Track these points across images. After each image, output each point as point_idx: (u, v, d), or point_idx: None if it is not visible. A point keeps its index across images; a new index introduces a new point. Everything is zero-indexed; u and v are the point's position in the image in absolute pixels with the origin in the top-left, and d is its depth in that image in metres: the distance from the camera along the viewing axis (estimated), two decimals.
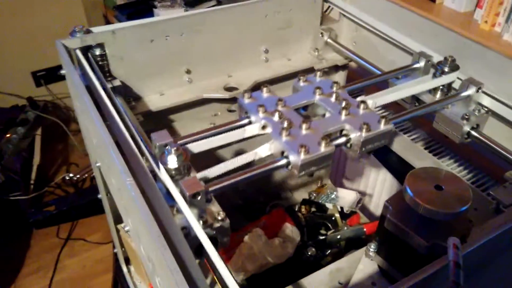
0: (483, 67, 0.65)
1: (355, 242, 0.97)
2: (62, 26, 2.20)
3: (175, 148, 0.47)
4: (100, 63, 0.70)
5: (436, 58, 0.69)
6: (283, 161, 0.50)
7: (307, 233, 0.97)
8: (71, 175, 1.72)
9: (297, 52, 0.87)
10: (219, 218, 0.46)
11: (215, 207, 0.47)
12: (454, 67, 0.66)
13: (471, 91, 0.64)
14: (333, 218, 1.02)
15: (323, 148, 0.49)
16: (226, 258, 0.86)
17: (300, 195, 1.12)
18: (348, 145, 0.54)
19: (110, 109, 0.55)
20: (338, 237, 0.97)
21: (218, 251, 0.43)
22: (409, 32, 0.75)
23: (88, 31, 0.69)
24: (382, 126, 0.53)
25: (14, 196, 1.68)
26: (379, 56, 0.77)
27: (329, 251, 0.96)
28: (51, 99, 2.26)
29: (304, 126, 0.52)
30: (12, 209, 1.67)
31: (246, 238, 0.84)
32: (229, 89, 0.80)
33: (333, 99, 0.58)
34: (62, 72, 0.67)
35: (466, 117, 0.63)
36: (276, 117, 0.54)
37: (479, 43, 0.65)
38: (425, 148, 0.80)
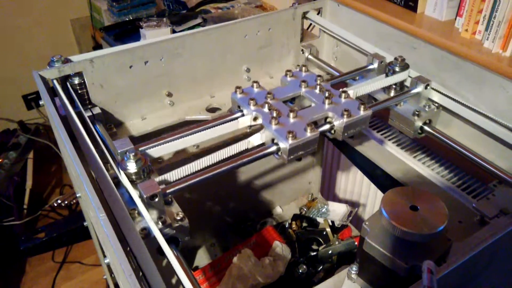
0: (463, 79, 0.66)
1: (347, 256, 0.96)
2: (52, 48, 2.21)
3: (133, 153, 0.51)
4: (79, 91, 0.70)
5: (389, 58, 0.73)
6: (273, 148, 0.56)
7: (299, 249, 0.96)
8: (59, 201, 1.71)
9: (279, 69, 0.88)
10: (178, 218, 0.49)
11: (175, 209, 0.50)
12: (405, 66, 0.71)
13: (420, 88, 0.68)
14: (324, 233, 1.01)
15: (308, 133, 0.55)
16: (217, 280, 0.86)
17: (291, 210, 1.11)
18: (332, 131, 0.60)
19: (85, 138, 0.55)
20: (330, 252, 0.96)
21: (179, 249, 0.48)
22: (388, 45, 0.76)
23: (67, 60, 0.69)
24: (362, 112, 0.59)
25: (7, 221, 1.67)
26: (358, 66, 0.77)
27: (321, 267, 0.95)
28: (43, 122, 2.26)
29: (291, 115, 0.58)
30: (6, 234, 1.65)
31: (235, 259, 0.84)
32: (211, 110, 0.80)
33: (317, 90, 0.64)
34: (41, 102, 0.67)
35: (417, 113, 0.67)
36: (266, 109, 0.60)
37: (457, 55, 0.66)
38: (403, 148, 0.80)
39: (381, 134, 0.76)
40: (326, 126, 0.60)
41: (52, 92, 0.67)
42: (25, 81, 2.13)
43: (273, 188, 1.08)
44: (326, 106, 0.60)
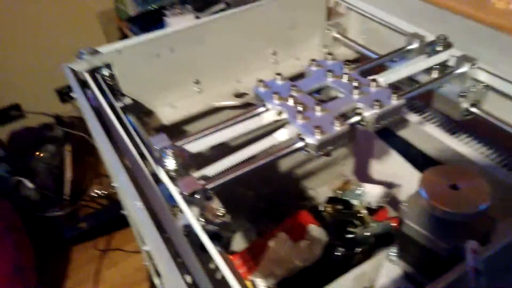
0: (499, 53, 0.63)
1: (385, 238, 0.95)
2: (81, 41, 2.25)
3: (171, 150, 0.50)
4: (109, 82, 0.70)
5: (429, 38, 0.69)
6: (300, 143, 0.53)
7: (335, 232, 0.95)
8: (98, 192, 1.75)
9: (306, 50, 0.86)
10: (219, 214, 0.48)
11: (215, 204, 0.49)
12: (447, 45, 0.67)
13: (465, 67, 0.64)
14: (360, 215, 1.00)
15: (337, 128, 0.52)
16: (254, 264, 0.86)
17: (324, 193, 1.10)
18: (363, 122, 0.56)
19: (118, 129, 0.56)
20: (367, 234, 0.95)
21: (222, 246, 0.47)
22: (417, 20, 0.73)
23: (95, 52, 0.70)
24: (394, 101, 0.55)
25: (50, 212, 1.74)
26: (390, 47, 0.74)
27: (358, 249, 0.94)
28: (78, 115, 2.31)
29: (317, 108, 0.54)
30: (50, 225, 1.72)
31: (271, 243, 0.83)
32: (239, 95, 0.80)
33: (344, 80, 0.60)
34: (73, 95, 0.68)
35: (463, 94, 0.63)
36: (290, 102, 0.57)
37: (491, 26, 0.62)
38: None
39: (418, 115, 0.73)
40: (356, 118, 0.56)
41: (83, 84, 0.68)
42: (57, 75, 2.18)
43: (305, 171, 1.07)
44: (355, 96, 0.57)
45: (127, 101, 0.71)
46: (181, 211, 0.48)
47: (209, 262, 0.46)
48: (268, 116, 0.58)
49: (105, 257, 1.80)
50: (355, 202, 1.04)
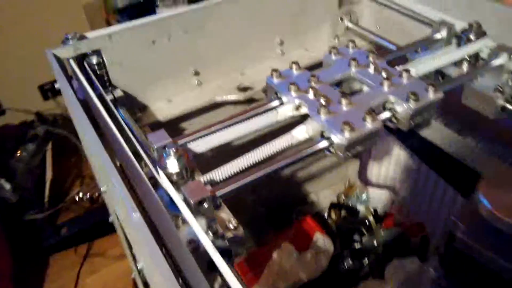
0: None
1: (393, 247, 0.88)
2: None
3: (173, 149, 0.42)
4: (98, 72, 0.62)
5: (459, 25, 0.62)
6: (324, 143, 0.46)
7: (341, 241, 0.88)
8: (80, 194, 1.66)
9: (315, 41, 0.78)
10: (231, 226, 0.41)
11: (225, 214, 0.42)
12: (480, 34, 0.60)
13: (502, 59, 0.57)
14: (367, 222, 0.93)
15: (369, 124, 0.45)
16: (254, 276, 0.78)
17: (327, 198, 1.03)
18: (394, 119, 0.49)
19: (110, 125, 0.47)
20: (375, 242, 0.88)
21: (233, 264, 0.39)
22: (443, 5, 0.66)
23: (82, 37, 0.62)
24: (432, 95, 0.48)
25: (29, 215, 1.63)
26: (409, 38, 0.67)
27: (366, 259, 0.87)
28: (61, 112, 2.21)
29: (344, 101, 0.47)
30: (29, 228, 1.62)
31: (275, 255, 0.76)
32: (243, 89, 0.72)
33: (371, 70, 0.53)
34: (57, 86, 0.59)
35: (499, 88, 0.56)
36: (311, 95, 0.50)
37: None
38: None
39: None
40: (387, 114, 0.49)
41: (68, 75, 0.59)
42: (40, 71, 2.08)
43: (307, 173, 1.00)
44: (385, 88, 0.50)
45: (118, 93, 0.63)
46: (184, 222, 0.40)
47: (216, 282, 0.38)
48: (284, 110, 0.50)
49: (86, 263, 1.71)
50: (360, 208, 0.98)
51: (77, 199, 1.71)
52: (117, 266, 1.69)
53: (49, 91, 2.25)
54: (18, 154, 1.80)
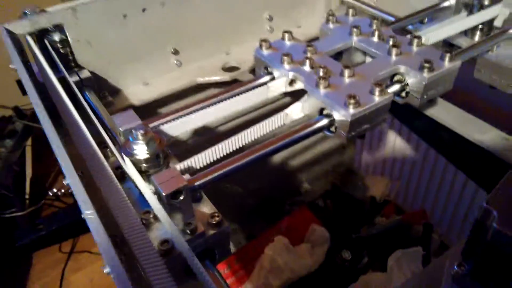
0: None
1: (394, 237, 0.83)
2: None
3: (142, 131, 0.35)
4: (61, 51, 0.54)
5: None
6: (324, 121, 0.40)
7: (338, 231, 0.82)
8: (62, 190, 1.58)
9: (308, 17, 0.72)
10: (214, 222, 0.34)
11: (207, 208, 0.35)
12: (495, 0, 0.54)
13: None
14: (365, 211, 0.87)
15: (377, 98, 0.38)
16: (244, 274, 0.72)
17: (322, 187, 0.97)
18: (403, 93, 0.43)
19: (70, 110, 0.40)
20: (374, 233, 0.83)
21: (215, 266, 0.33)
22: None
23: (43, 12, 0.54)
24: (447, 63, 0.42)
25: (9, 213, 1.56)
26: (410, 10, 0.61)
27: (365, 250, 0.81)
28: None
29: (347, 72, 0.41)
30: (8, 227, 1.54)
31: (267, 249, 0.69)
32: (228, 69, 0.65)
33: (375, 38, 0.47)
34: (12, 66, 0.52)
35: None
36: (307, 67, 0.43)
37: None
38: None
39: None
40: (395, 87, 0.43)
41: (25, 54, 0.52)
42: None
43: (299, 161, 0.93)
44: (393, 58, 0.44)
45: (85, 74, 0.55)
46: (156, 218, 0.34)
47: None
48: (277, 86, 0.43)
49: (71, 260, 1.64)
50: (357, 196, 0.92)
51: (59, 194, 1.64)
52: (102, 263, 1.63)
53: None
54: None
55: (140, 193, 0.35)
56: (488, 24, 0.54)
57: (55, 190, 1.51)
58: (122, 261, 0.24)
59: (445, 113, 0.61)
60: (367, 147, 0.99)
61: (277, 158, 0.89)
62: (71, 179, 0.30)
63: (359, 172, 0.98)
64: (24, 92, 1.80)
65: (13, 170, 1.72)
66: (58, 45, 0.54)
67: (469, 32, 0.54)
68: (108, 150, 0.38)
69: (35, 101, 0.42)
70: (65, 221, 1.30)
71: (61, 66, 0.50)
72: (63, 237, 1.43)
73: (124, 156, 0.35)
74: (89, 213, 0.26)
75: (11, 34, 0.50)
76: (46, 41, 0.54)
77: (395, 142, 0.95)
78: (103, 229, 0.25)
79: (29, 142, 1.90)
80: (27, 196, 1.73)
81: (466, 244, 0.34)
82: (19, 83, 1.84)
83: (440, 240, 0.82)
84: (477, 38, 0.54)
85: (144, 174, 0.35)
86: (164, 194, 0.31)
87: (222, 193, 0.84)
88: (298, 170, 0.95)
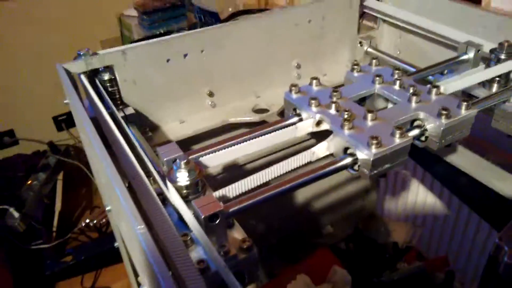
0: None
1: (415, 283, 0.82)
2: None
3: (184, 161, 0.39)
4: (110, 89, 0.60)
5: (487, 46, 0.60)
6: (348, 159, 0.43)
7: (359, 275, 0.83)
8: (88, 221, 1.62)
9: (333, 65, 0.76)
10: (245, 246, 0.37)
11: (238, 233, 0.38)
12: None
13: None
14: (387, 256, 0.88)
15: (398, 139, 0.41)
16: None
17: (344, 231, 0.98)
18: (423, 137, 0.46)
19: (120, 141, 0.45)
20: (395, 278, 0.82)
21: None
22: (471, 30, 0.64)
23: (95, 54, 0.60)
24: (464, 111, 0.45)
25: (36, 245, 1.60)
26: (431, 62, 0.65)
27: None
28: (73, 143, 2.21)
29: (370, 116, 0.44)
30: (35, 258, 1.58)
31: (289, 287, 0.71)
32: (258, 111, 0.69)
33: (397, 86, 0.51)
34: (66, 101, 0.58)
35: None
36: (333, 110, 0.47)
37: None
38: None
39: None
40: (415, 131, 0.46)
41: (78, 91, 0.58)
42: (55, 102, 2.10)
43: (323, 203, 0.95)
44: (414, 104, 0.47)
45: (129, 111, 0.61)
46: (194, 241, 0.37)
47: None
48: (304, 126, 0.47)
49: None
50: (380, 241, 0.93)
51: (83, 225, 1.68)
52: None
53: (63, 122, 2.27)
54: (29, 183, 1.79)
55: (179, 218, 0.39)
56: (505, 77, 0.57)
57: (88, 221, 1.54)
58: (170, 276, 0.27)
59: (465, 160, 0.63)
60: (390, 193, 1.00)
61: (301, 198, 0.92)
62: (123, 197, 0.33)
63: (382, 217, 0.98)
64: (59, 129, 1.90)
65: (43, 203, 1.78)
66: (107, 84, 0.60)
67: (486, 84, 0.57)
68: (151, 178, 0.42)
69: (89, 131, 0.47)
70: (93, 252, 1.33)
71: (110, 102, 0.56)
72: (89, 269, 1.45)
73: (167, 182, 0.38)
74: (141, 227, 0.29)
75: (67, 73, 0.56)
76: (97, 80, 0.60)
77: (418, 189, 0.96)
78: (153, 241, 0.28)
79: (60, 176, 1.98)
80: (54, 229, 1.77)
81: (481, 279, 0.35)
82: (55, 120, 1.95)
83: (461, 285, 0.81)
84: (494, 89, 0.57)
85: (184, 199, 0.38)
86: (203, 216, 0.35)
87: (246, 229, 0.86)
88: (321, 212, 0.97)
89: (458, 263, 0.87)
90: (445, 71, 0.60)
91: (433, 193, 0.91)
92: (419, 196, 0.94)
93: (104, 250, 1.35)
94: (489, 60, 0.57)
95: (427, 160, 0.71)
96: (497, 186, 0.60)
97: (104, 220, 1.70)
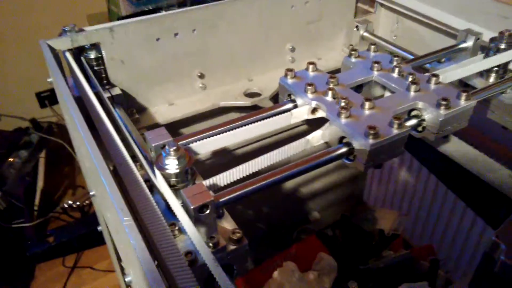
0: None
1: (401, 271, 0.83)
2: None
3: (174, 148, 0.37)
4: (95, 68, 0.58)
5: (487, 35, 0.58)
6: (343, 149, 0.41)
7: (345, 262, 0.83)
8: (70, 202, 1.59)
9: (329, 50, 0.75)
10: (235, 238, 0.36)
11: (228, 224, 0.37)
12: None
13: None
14: (374, 243, 0.88)
15: (396, 130, 0.40)
16: None
17: (331, 217, 0.98)
18: (420, 128, 0.45)
19: (106, 123, 0.43)
20: (381, 266, 0.83)
21: (234, 282, 0.34)
22: (470, 17, 0.62)
23: (81, 31, 0.57)
24: (463, 102, 0.44)
25: (17, 223, 1.57)
26: (428, 49, 0.64)
27: (372, 283, 0.81)
28: (56, 120, 2.16)
29: (367, 105, 0.43)
30: (16, 237, 1.55)
31: (275, 274, 0.70)
32: (250, 95, 0.68)
33: (395, 74, 0.49)
34: (49, 80, 0.55)
35: None
36: (329, 97, 0.45)
37: None
38: None
39: None
40: (412, 121, 0.45)
41: (63, 69, 0.55)
42: (39, 78, 2.04)
43: (311, 189, 0.95)
44: (412, 94, 0.46)
45: (116, 91, 0.58)
46: (182, 231, 0.36)
47: None
48: (299, 113, 0.45)
49: (73, 275, 1.64)
50: (366, 228, 0.93)
51: (66, 206, 1.66)
52: (106, 279, 1.63)
53: (46, 98, 2.20)
54: (10, 160, 1.75)
55: (166, 206, 0.37)
56: (504, 67, 0.56)
57: (70, 202, 1.52)
58: (156, 266, 0.26)
59: (457, 150, 0.62)
60: (377, 179, 1.00)
61: (290, 185, 0.91)
62: (109, 187, 0.32)
63: (369, 205, 0.98)
64: (42, 105, 1.84)
65: (25, 181, 1.74)
66: (93, 62, 0.57)
67: (484, 74, 0.56)
68: (138, 163, 0.40)
69: (72, 112, 0.45)
70: (75, 233, 1.31)
71: (96, 82, 0.53)
72: (71, 250, 1.43)
73: (155, 169, 0.37)
74: (127, 219, 0.28)
75: (51, 49, 0.53)
76: (82, 58, 0.57)
77: (405, 176, 0.96)
78: (140, 236, 0.27)
79: (42, 154, 1.93)
80: (36, 208, 1.74)
81: (474, 276, 0.35)
82: (38, 96, 1.88)
83: (446, 277, 0.82)
84: (492, 79, 0.56)
85: (173, 188, 0.37)
86: (192, 207, 0.33)
87: (234, 216, 0.85)
88: (309, 198, 0.96)
89: (442, 252, 0.88)
90: (443, 59, 0.59)
91: (420, 181, 0.91)
92: (406, 184, 0.94)
93: (86, 232, 1.32)
94: (488, 49, 0.56)
95: (416, 148, 0.71)
96: (488, 177, 0.60)
97: (87, 202, 1.67)
